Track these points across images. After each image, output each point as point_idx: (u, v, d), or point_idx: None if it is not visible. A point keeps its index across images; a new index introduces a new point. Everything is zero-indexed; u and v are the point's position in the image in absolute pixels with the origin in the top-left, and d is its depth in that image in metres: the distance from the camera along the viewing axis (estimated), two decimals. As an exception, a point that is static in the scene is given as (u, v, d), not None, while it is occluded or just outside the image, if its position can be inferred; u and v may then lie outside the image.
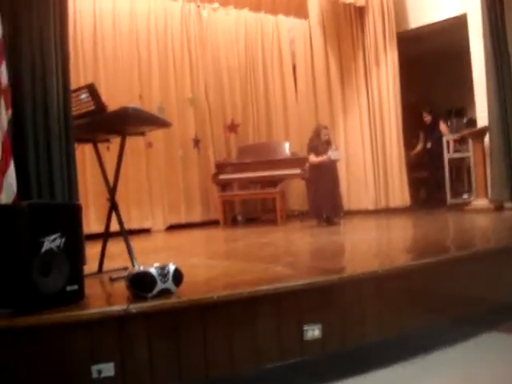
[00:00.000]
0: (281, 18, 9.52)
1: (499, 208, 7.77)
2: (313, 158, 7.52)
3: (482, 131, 8.03)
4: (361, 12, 9.32)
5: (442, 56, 10.77)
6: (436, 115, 9.99)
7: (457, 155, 9.21)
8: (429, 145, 9.75)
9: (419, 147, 10.26)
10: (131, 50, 8.33)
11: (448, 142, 9.17)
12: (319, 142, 7.55)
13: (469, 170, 8.98)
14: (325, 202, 7.37)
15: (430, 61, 11.11)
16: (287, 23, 9.87)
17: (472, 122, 9.03)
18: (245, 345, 3.06)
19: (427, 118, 9.97)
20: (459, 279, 3.98)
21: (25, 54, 4.05)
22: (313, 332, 3.20)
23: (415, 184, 9.99)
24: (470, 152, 8.48)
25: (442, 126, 9.67)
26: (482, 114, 8.23)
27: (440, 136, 9.47)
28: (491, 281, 4.17)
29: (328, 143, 7.59)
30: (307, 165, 7.75)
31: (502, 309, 4.12)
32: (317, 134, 7.65)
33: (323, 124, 8.15)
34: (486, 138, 8.00)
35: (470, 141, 8.42)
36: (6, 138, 3.68)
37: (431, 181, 9.90)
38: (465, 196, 9.18)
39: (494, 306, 4.08)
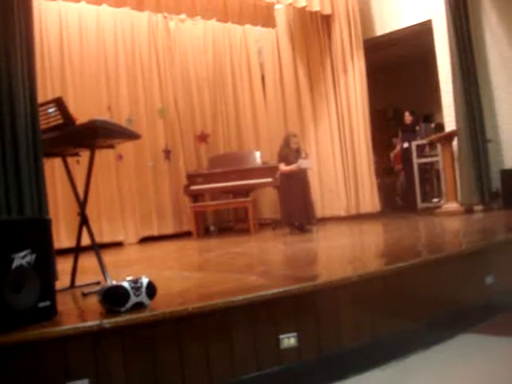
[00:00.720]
0: (248, 27, 9.56)
1: (469, 211, 7.87)
2: (283, 167, 7.54)
3: (450, 135, 8.13)
4: (327, 20, 9.38)
5: (409, 62, 10.92)
6: (417, 117, 10.13)
7: (426, 160, 9.32)
8: (406, 144, 9.74)
9: (398, 147, 10.36)
10: (99, 62, 8.28)
11: (419, 147, 9.28)
12: (289, 150, 7.57)
13: (438, 174, 9.07)
14: (296, 210, 7.40)
15: (397, 67, 11.26)
16: (255, 33, 9.91)
17: (440, 126, 9.14)
18: (221, 356, 3.05)
19: (408, 118, 10.06)
20: (432, 282, 4.02)
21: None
22: (289, 340, 3.20)
23: (388, 188, 10.11)
24: (439, 156, 8.57)
25: (418, 129, 9.82)
26: (449, 119, 8.34)
27: (415, 138, 9.58)
28: (464, 283, 4.23)
29: (298, 151, 7.61)
30: (278, 173, 7.76)
31: (476, 310, 4.16)
32: (286, 142, 7.68)
33: (293, 132, 8.18)
34: (455, 143, 8.11)
35: (439, 145, 8.52)
36: (-27, 153, 3.62)
37: (406, 182, 9.93)
38: (435, 200, 9.29)
39: (467, 308, 4.12)
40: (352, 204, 9.24)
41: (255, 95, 9.90)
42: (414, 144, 9.28)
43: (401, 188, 10.65)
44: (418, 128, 9.79)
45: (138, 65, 8.72)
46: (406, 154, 9.77)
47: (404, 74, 11.53)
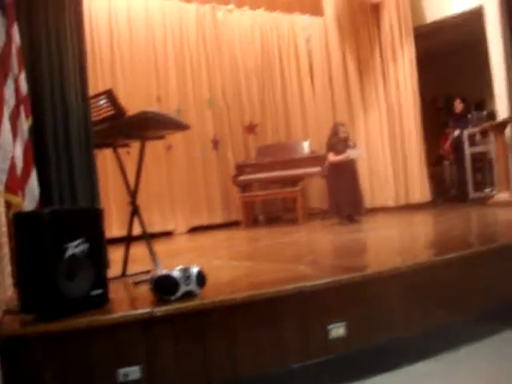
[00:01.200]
0: (296, 16, 9.51)
1: (522, 201, 7.69)
2: (332, 157, 7.50)
3: (503, 124, 7.95)
4: (376, 8, 9.28)
5: (460, 49, 10.69)
6: (468, 104, 9.86)
7: (478, 149, 9.13)
8: (457, 132, 9.49)
9: (451, 137, 9.96)
10: (148, 53, 8.38)
11: (470, 135, 9.11)
12: (337, 140, 7.51)
13: (491, 163, 8.89)
14: (345, 201, 7.35)
15: (448, 54, 11.04)
16: (303, 21, 9.84)
17: (492, 114, 8.94)
18: (270, 344, 3.07)
19: (459, 106, 9.68)
20: (484, 274, 3.94)
21: (43, 62, 4.08)
22: (337, 330, 3.19)
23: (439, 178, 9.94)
24: (491, 145, 8.39)
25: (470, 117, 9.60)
26: (501, 107, 8.15)
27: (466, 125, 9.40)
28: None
29: (346, 141, 7.54)
30: (327, 163, 7.71)
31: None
32: (335, 131, 7.61)
33: (341, 121, 8.10)
34: (508, 130, 7.92)
35: (492, 134, 8.33)
36: (27, 145, 3.71)
37: (458, 172, 9.68)
38: (487, 190, 9.10)
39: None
40: (402, 194, 9.15)
41: (303, 84, 9.85)
42: (466, 133, 9.11)
43: (451, 178, 10.45)
44: (469, 116, 9.60)
45: (187, 56, 8.79)
46: (456, 142, 9.54)
47: (455, 61, 11.30)
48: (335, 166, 7.45)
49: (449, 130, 10.17)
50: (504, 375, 3.10)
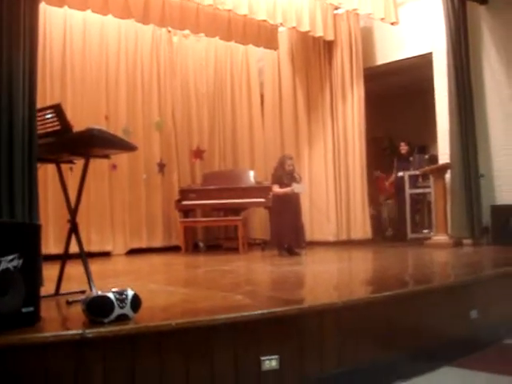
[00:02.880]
0: (251, 47, 9.62)
1: (458, 244, 7.89)
2: (276, 189, 7.54)
3: (444, 168, 8.18)
4: (329, 46, 9.48)
5: (407, 93, 10.99)
6: (412, 147, 10.14)
7: (418, 190, 9.36)
8: (400, 173, 9.72)
9: (393, 177, 10.30)
10: (100, 71, 8.33)
11: (411, 177, 9.34)
12: (284, 172, 7.56)
13: (429, 205, 9.11)
14: (287, 233, 7.40)
15: (395, 97, 11.32)
16: (257, 53, 9.97)
17: (434, 158, 9.19)
18: (201, 373, 3.03)
19: (404, 148, 10.13)
20: (417, 313, 4.02)
21: (-9, 70, 4.00)
22: (270, 363, 3.18)
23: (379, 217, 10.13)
24: (431, 188, 8.61)
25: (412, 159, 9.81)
26: (443, 151, 8.39)
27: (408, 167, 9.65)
28: (448, 315, 4.23)
29: (292, 174, 7.60)
30: (271, 194, 7.75)
31: (459, 344, 4.16)
32: (281, 164, 7.66)
33: (289, 154, 8.17)
34: (447, 175, 8.15)
35: (431, 177, 8.56)
36: (-33, 154, 3.62)
37: (399, 211, 9.88)
38: (425, 231, 9.31)
39: (451, 341, 4.12)
40: (343, 229, 9.26)
41: (253, 114, 9.95)
42: (407, 174, 9.33)
43: (389, 217, 10.67)
44: (411, 158, 9.84)
45: (139, 76, 8.78)
46: (399, 183, 9.76)
47: (401, 104, 11.61)
48: (279, 198, 7.50)
49: (391, 170, 10.41)
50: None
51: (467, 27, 8.02)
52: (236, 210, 8.68)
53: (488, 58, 8.14)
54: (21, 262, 2.86)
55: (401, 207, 9.61)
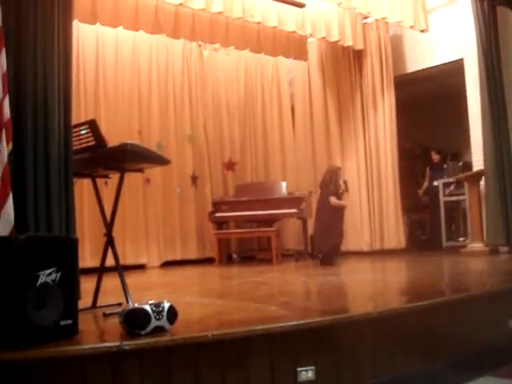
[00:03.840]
0: (280, 59, 9.66)
1: (494, 251, 7.77)
2: (335, 201, 7.56)
3: (478, 175, 8.08)
4: (359, 55, 9.46)
5: (439, 100, 10.90)
6: (444, 155, 10.08)
7: (453, 198, 9.26)
8: (435, 183, 9.62)
9: (426, 185, 10.25)
10: (132, 86, 8.45)
11: (445, 185, 9.25)
12: (338, 183, 7.68)
13: (464, 212, 9.00)
14: (338, 245, 7.67)
15: (427, 105, 11.24)
16: (287, 64, 10.01)
17: (468, 165, 9.09)
18: (238, 384, 3.04)
19: (436, 157, 10.10)
20: (454, 322, 3.97)
21: (28, 88, 4.10)
22: (306, 374, 3.17)
23: (415, 225, 10.04)
24: (466, 195, 8.52)
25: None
26: (477, 158, 8.29)
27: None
28: (486, 325, 4.17)
29: (345, 185, 7.81)
30: (328, 205, 7.59)
31: (497, 353, 4.10)
32: (337, 176, 7.76)
33: (338, 166, 8.32)
34: (482, 182, 8.05)
35: (466, 184, 8.47)
36: (6, 170, 3.70)
37: (434, 221, 9.80)
38: (461, 239, 9.20)
39: (488, 351, 4.06)
40: (376, 239, 9.19)
41: (284, 126, 9.98)
42: (441, 182, 9.25)
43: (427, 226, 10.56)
44: (445, 166, 9.75)
45: (171, 91, 8.88)
46: (433, 192, 9.69)
47: (433, 111, 11.51)
48: (335, 210, 7.56)
49: (424, 178, 10.33)
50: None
51: (498, 33, 7.92)
52: (269, 221, 8.69)
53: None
54: (59, 275, 2.91)
55: (435, 216, 9.52)
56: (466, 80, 8.59)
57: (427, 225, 10.62)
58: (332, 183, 7.71)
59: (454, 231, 9.77)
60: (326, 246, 7.54)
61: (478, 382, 3.78)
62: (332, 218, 7.54)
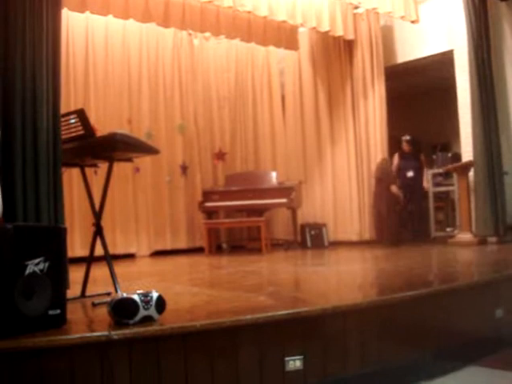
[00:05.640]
0: (271, 48, 9.63)
1: (483, 242, 7.82)
2: (395, 190, 8.59)
3: (467, 166, 8.12)
4: (350, 45, 9.46)
5: (429, 91, 10.94)
6: (417, 147, 9.78)
7: (441, 189, 9.30)
8: (410, 173, 9.46)
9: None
10: (122, 75, 8.40)
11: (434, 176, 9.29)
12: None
13: (453, 203, 9.05)
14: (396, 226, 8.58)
15: (417, 95, 11.27)
16: (277, 54, 9.99)
17: (457, 156, 9.13)
18: (226, 375, 3.06)
19: (406, 146, 9.57)
20: (442, 312, 4.00)
21: (16, 76, 4.07)
22: (294, 363, 3.20)
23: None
24: (455, 186, 8.56)
25: (422, 158, 9.61)
26: (466, 149, 8.33)
27: (420, 167, 9.50)
28: (473, 315, 4.21)
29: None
30: (390, 192, 8.53)
31: (484, 343, 4.14)
32: (388, 165, 8.57)
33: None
34: (471, 173, 8.09)
35: (455, 175, 8.51)
36: (-6, 159, 3.68)
37: (415, 212, 9.67)
38: (449, 229, 9.26)
39: (475, 340, 4.10)
40: (365, 229, 9.22)
41: (274, 116, 9.96)
42: (430, 172, 9.28)
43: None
44: (435, 157, 9.77)
45: (161, 80, 8.85)
46: (411, 184, 9.44)
47: (423, 102, 11.55)
48: (394, 198, 8.46)
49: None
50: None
51: (488, 24, 7.95)
52: (259, 210, 8.71)
53: (510, 54, 8.07)
54: (47, 265, 2.91)
55: (416, 206, 9.51)
56: (455, 71, 8.61)
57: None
58: (390, 174, 8.59)
59: (440, 222, 9.81)
60: (390, 232, 8.38)
61: (464, 371, 3.81)
62: (391, 205, 8.38)
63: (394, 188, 8.50)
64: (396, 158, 9.61)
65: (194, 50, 9.30)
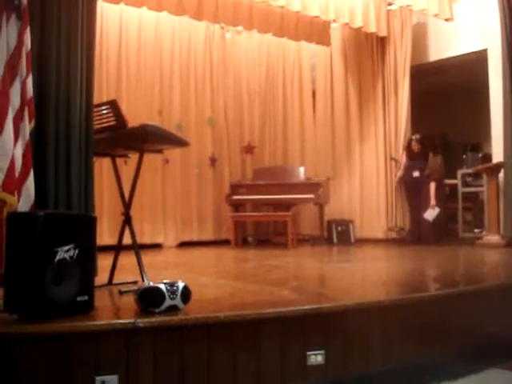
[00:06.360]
0: (303, 43, 9.63)
1: (510, 244, 7.74)
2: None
3: (497, 167, 8.04)
4: (382, 42, 9.42)
5: (461, 90, 10.82)
6: (427, 146, 9.17)
7: (471, 189, 9.21)
8: (416, 173, 8.90)
9: (400, 174, 9.20)
10: (154, 68, 8.47)
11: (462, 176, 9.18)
12: None
13: (482, 204, 8.96)
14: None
15: (448, 95, 11.16)
16: (309, 49, 9.97)
17: (487, 157, 9.03)
18: (248, 366, 3.09)
19: (416, 146, 8.92)
20: (467, 313, 3.99)
21: (51, 67, 4.15)
22: (316, 358, 3.22)
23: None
24: (484, 187, 8.48)
25: (431, 159, 9.09)
26: (497, 150, 8.25)
27: (425, 167, 8.91)
28: (499, 317, 4.18)
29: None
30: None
31: (509, 345, 4.11)
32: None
33: None
34: (501, 174, 8.01)
35: (485, 176, 8.43)
36: (28, 147, 3.77)
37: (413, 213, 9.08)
38: (476, 230, 9.17)
39: (500, 343, 4.08)
40: (392, 227, 9.19)
41: (305, 111, 9.96)
42: (460, 173, 9.20)
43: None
44: (464, 156, 9.65)
45: (192, 73, 8.90)
46: (414, 183, 8.94)
47: (455, 101, 11.44)
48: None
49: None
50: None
51: (524, 23, 7.85)
52: (286, 205, 8.73)
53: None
54: (76, 252, 2.97)
55: (415, 208, 8.99)
56: (488, 70, 8.52)
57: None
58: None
59: (469, 222, 9.68)
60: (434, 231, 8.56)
61: (486, 373, 3.80)
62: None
63: (432, 185, 8.60)
64: (403, 158, 9.15)
65: (225, 44, 9.33)
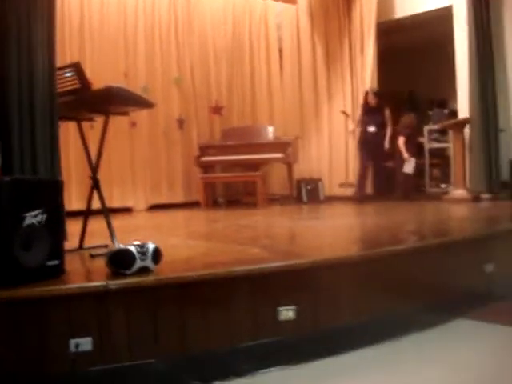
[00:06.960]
0: (269, 1, 9.53)
1: (476, 198, 7.90)
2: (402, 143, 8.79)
3: (463, 122, 8.14)
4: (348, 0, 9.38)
5: (426, 47, 10.85)
6: (383, 101, 9.02)
7: (437, 145, 9.33)
8: (372, 128, 8.77)
9: (352, 128, 9.29)
10: (118, 29, 8.32)
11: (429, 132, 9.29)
12: None
13: (448, 160, 9.09)
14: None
15: (414, 51, 11.19)
16: (275, 8, 9.88)
17: (453, 113, 9.13)
18: (220, 323, 3.13)
19: (372, 100, 8.81)
20: (433, 266, 4.06)
21: (10, 29, 4.05)
22: (287, 313, 3.28)
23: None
24: (451, 143, 8.60)
25: (387, 113, 8.95)
26: (463, 106, 8.34)
27: (384, 123, 8.87)
28: (464, 269, 4.27)
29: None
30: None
31: (474, 297, 4.22)
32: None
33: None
34: (467, 130, 8.11)
35: (451, 132, 8.53)
36: (-10, 112, 3.70)
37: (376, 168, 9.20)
38: (443, 186, 9.32)
39: (465, 294, 4.19)
40: (342, 182, 9.31)
41: (272, 70, 9.92)
42: (427, 128, 9.30)
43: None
44: (431, 113, 9.75)
45: (157, 33, 8.76)
46: (369, 138, 8.84)
47: (422, 58, 11.47)
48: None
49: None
50: (453, 362, 3.22)
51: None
52: (255, 165, 8.75)
53: (509, 12, 8.00)
54: (45, 217, 2.95)
55: (378, 165, 9.13)
56: (454, 27, 8.55)
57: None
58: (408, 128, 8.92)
59: (436, 178, 9.83)
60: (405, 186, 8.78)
61: (453, 323, 3.90)
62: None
63: (401, 140, 8.76)
64: (359, 112, 9.09)
65: (190, 3, 9.18)
